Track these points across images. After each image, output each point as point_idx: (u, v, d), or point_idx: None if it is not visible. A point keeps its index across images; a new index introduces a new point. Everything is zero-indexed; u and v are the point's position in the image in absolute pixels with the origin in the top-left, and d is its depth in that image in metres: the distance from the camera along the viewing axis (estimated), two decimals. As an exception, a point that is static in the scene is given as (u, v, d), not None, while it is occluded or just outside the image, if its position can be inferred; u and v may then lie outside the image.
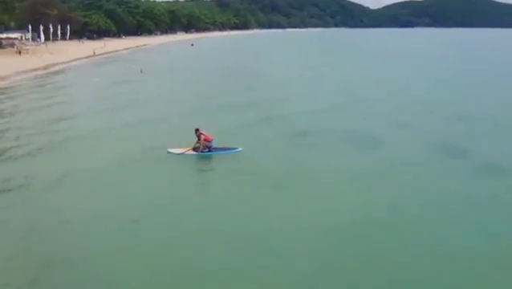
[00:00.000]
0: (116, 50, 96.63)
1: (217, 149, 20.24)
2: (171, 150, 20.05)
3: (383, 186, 16.81)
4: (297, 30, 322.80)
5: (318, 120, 28.30)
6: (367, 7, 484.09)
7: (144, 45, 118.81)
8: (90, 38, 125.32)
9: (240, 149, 20.47)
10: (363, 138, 24.11)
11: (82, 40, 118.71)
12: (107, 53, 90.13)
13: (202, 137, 20.03)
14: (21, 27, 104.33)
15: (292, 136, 24.12)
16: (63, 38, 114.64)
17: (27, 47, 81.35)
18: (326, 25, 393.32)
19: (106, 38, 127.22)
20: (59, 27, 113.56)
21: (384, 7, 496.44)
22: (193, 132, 20.23)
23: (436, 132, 25.63)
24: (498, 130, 26.78)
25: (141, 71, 52.03)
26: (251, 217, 13.99)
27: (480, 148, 22.43)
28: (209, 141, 20.15)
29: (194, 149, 20.09)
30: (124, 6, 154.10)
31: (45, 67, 59.04)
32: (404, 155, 21.08)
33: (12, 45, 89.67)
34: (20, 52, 75.23)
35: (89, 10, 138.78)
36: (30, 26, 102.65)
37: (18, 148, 21.44)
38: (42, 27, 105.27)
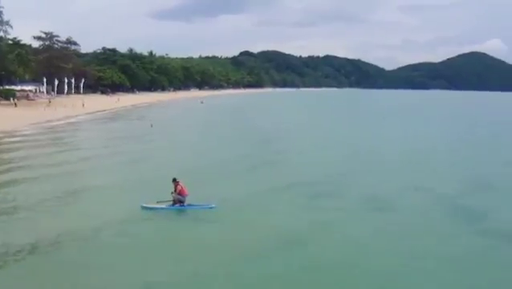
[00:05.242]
0: (129, 106, 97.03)
1: (190, 205, 20.14)
2: (145, 204, 19.91)
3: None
4: (310, 89, 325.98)
5: (320, 179, 27.29)
6: (382, 68, 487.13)
7: (158, 101, 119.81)
8: (104, 92, 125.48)
9: (213, 206, 20.06)
10: (367, 196, 23.07)
11: (109, 94, 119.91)
12: (122, 107, 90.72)
13: (178, 188, 20.06)
14: (35, 80, 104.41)
15: (279, 191, 23.46)
16: (77, 91, 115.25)
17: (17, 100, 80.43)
18: (340, 85, 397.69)
19: (120, 93, 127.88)
20: (74, 81, 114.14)
21: (398, 68, 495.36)
22: (171, 181, 20.29)
23: (448, 196, 24.09)
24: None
25: (151, 126, 56.10)
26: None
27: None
28: (184, 195, 20.06)
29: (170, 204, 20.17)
30: (139, 61, 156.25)
31: (58, 120, 60.37)
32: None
33: (26, 97, 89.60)
34: (16, 105, 74.99)
35: (104, 64, 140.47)
36: (44, 79, 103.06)
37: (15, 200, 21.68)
38: (56, 81, 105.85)
